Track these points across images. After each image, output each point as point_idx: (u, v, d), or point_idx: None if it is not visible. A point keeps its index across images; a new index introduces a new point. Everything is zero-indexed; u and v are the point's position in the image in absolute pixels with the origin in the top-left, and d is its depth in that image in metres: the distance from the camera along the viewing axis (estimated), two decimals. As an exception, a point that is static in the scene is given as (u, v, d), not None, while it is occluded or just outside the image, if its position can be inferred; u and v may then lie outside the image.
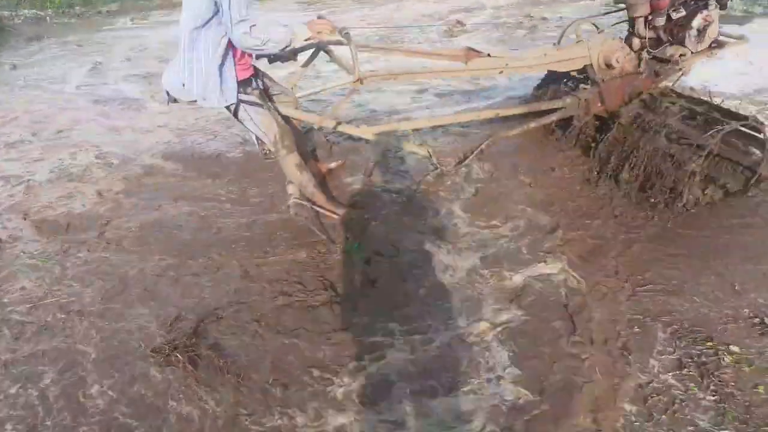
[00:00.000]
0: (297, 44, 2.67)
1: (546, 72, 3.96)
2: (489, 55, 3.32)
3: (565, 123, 3.74)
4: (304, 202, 3.12)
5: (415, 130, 4.07)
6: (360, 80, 3.03)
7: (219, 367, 2.26)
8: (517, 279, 2.72)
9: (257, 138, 3.10)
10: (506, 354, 2.29)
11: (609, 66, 3.47)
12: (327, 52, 3.35)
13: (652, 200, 3.09)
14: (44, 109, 5.36)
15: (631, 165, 3.19)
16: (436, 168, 3.55)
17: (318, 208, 3.14)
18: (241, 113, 2.85)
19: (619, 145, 3.32)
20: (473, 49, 3.31)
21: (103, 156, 4.25)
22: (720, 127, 2.90)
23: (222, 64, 2.63)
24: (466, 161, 3.59)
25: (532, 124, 3.61)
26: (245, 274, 2.82)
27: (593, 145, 3.56)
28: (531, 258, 2.85)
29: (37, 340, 2.47)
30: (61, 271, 2.92)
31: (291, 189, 3.16)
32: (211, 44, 2.56)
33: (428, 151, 3.55)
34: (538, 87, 4.14)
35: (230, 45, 2.60)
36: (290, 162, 3.05)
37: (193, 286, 2.75)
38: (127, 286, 2.78)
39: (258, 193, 3.58)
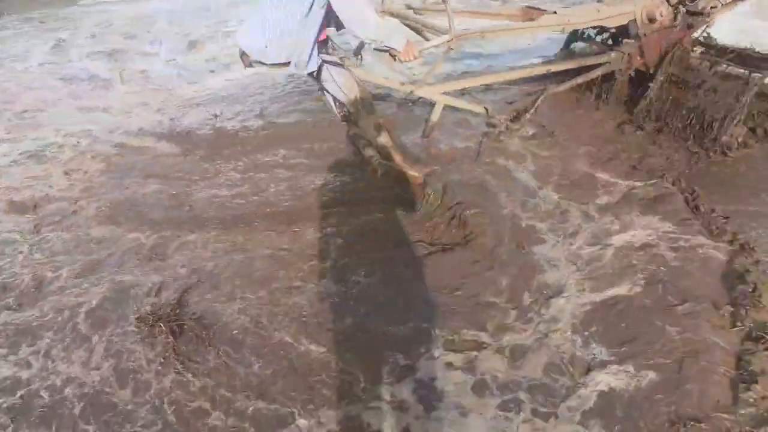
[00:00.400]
0: (380, 44, 2.69)
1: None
2: (555, 12, 3.59)
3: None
4: (387, 162, 3.14)
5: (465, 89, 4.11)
6: (453, 39, 3.08)
7: (201, 338, 2.26)
8: (609, 251, 2.60)
9: (334, 100, 3.12)
10: (607, 342, 2.13)
11: (651, 20, 3.65)
12: (401, 17, 3.50)
13: (698, 145, 3.27)
14: (8, 88, 5.22)
15: (675, 114, 3.41)
16: (497, 126, 3.62)
17: (398, 167, 3.13)
18: (324, 74, 2.93)
19: (662, 96, 3.51)
20: (532, 7, 3.56)
21: (71, 135, 4.18)
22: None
23: (317, 34, 2.67)
24: (527, 116, 3.68)
25: (580, 80, 3.77)
26: (219, 253, 2.80)
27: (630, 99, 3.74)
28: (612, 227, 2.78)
29: (17, 315, 2.47)
30: (34, 249, 2.90)
31: (369, 151, 3.19)
32: (302, 10, 2.58)
33: (486, 109, 3.63)
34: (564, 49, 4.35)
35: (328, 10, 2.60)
36: (370, 122, 3.10)
37: (167, 263, 2.75)
38: (101, 263, 2.77)
39: (230, 169, 3.56)
